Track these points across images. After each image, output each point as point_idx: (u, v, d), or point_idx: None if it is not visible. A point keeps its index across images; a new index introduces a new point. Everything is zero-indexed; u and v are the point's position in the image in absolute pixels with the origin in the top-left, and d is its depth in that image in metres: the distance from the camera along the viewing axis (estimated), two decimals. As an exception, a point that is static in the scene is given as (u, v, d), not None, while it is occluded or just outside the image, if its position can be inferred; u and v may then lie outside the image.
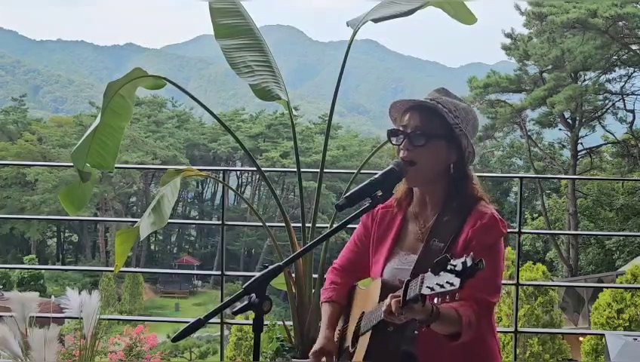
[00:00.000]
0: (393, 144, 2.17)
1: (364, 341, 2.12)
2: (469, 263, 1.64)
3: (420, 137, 2.10)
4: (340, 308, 2.35)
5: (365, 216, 2.32)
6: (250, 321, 1.79)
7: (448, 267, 1.66)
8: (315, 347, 2.24)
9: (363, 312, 2.20)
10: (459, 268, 1.65)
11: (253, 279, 1.78)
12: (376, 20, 3.61)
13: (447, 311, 1.91)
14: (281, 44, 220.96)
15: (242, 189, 50.34)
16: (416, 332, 2.00)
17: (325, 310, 2.35)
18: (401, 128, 2.15)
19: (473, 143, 2.16)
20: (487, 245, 2.06)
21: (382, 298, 2.04)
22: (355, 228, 2.42)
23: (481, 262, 1.64)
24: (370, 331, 2.08)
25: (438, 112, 2.10)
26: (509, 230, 2.30)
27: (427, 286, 1.70)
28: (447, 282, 1.66)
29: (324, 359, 2.23)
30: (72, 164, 3.38)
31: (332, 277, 2.42)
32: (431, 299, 1.72)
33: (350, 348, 2.24)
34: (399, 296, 1.83)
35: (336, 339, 2.31)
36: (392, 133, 2.17)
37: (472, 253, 1.67)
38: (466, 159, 2.15)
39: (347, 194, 2.01)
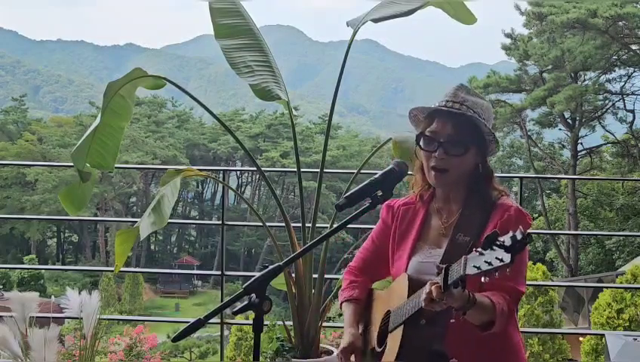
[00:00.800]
0: (422, 149, 2.16)
1: (395, 337, 2.09)
2: (518, 236, 1.64)
3: (456, 147, 2.11)
4: (362, 307, 2.34)
5: (385, 213, 2.33)
6: (250, 321, 1.79)
7: (497, 243, 1.67)
8: (343, 344, 2.22)
9: (388, 311, 2.18)
10: (508, 243, 1.65)
11: (253, 279, 1.78)
12: (376, 20, 3.62)
13: (482, 299, 1.92)
14: (281, 44, 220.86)
15: (242, 189, 50.34)
16: (452, 320, 1.99)
17: (346, 309, 2.33)
18: (427, 133, 2.14)
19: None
20: None
21: (410, 293, 2.04)
22: (355, 228, 2.43)
23: (530, 236, 1.66)
24: (402, 326, 2.06)
25: (472, 120, 2.11)
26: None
27: (473, 266, 1.71)
28: (496, 258, 1.66)
29: (352, 357, 2.21)
30: (72, 164, 3.39)
31: (350, 277, 2.40)
32: (475, 282, 1.73)
33: (377, 348, 2.21)
34: (438, 282, 1.83)
35: None
36: (420, 138, 2.16)
37: (520, 227, 1.68)
38: (490, 156, 2.19)
39: (347, 194, 2.01)
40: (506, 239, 1.66)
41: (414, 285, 2.03)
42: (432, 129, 2.13)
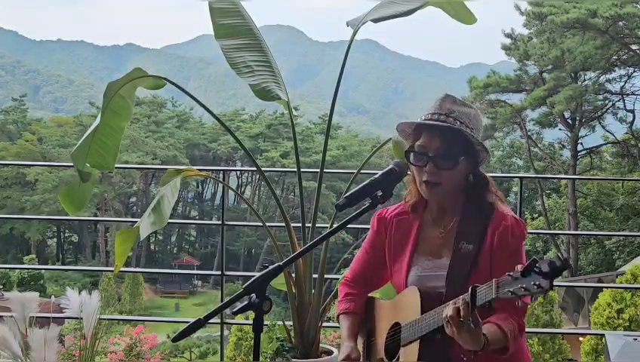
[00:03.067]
0: (413, 165, 2.15)
1: (410, 352, 2.07)
2: (557, 263, 1.66)
3: (446, 161, 2.09)
4: (359, 319, 2.32)
5: (377, 224, 2.31)
6: (250, 321, 1.79)
7: (535, 270, 1.68)
8: (342, 356, 2.20)
9: (396, 324, 2.17)
10: (545, 269, 1.67)
11: (253, 279, 1.78)
12: (376, 20, 3.61)
13: (494, 335, 1.94)
14: (281, 44, 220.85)
15: (242, 189, 50.33)
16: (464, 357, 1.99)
17: (343, 321, 2.31)
18: (416, 148, 2.13)
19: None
20: (513, 248, 2.09)
21: (425, 306, 2.04)
22: (355, 228, 2.43)
23: (568, 261, 1.69)
24: (419, 341, 2.04)
25: (461, 133, 2.10)
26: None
27: (508, 291, 1.72)
28: (533, 284, 1.67)
29: None
30: (72, 164, 3.38)
31: (345, 289, 2.39)
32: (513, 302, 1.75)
33: (386, 361, 2.20)
34: (459, 304, 1.84)
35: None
36: (413, 156, 2.14)
37: (557, 254, 1.68)
38: (480, 165, 2.17)
39: (347, 194, 2.01)
40: (543, 266, 1.67)
41: (425, 299, 2.05)
42: (421, 143, 2.12)
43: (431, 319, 1.99)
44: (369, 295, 2.38)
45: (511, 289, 1.71)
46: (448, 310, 1.86)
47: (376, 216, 2.31)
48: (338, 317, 2.35)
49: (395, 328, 2.16)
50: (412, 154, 2.14)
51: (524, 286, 1.69)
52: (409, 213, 2.25)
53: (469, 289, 1.83)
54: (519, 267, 1.71)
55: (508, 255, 2.06)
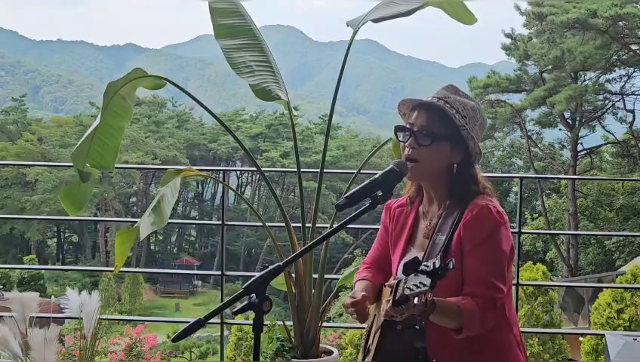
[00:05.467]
0: (399, 140, 2.19)
1: (374, 339, 2.15)
2: (437, 264, 1.70)
3: (426, 137, 2.11)
4: (375, 287, 2.30)
5: (384, 215, 2.35)
6: (250, 321, 1.79)
7: (421, 268, 1.73)
8: (347, 301, 2.17)
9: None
10: (429, 268, 1.71)
11: (253, 279, 1.78)
12: (376, 20, 3.61)
13: (446, 304, 1.94)
14: (281, 44, 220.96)
15: (242, 189, 50.33)
16: (423, 323, 1.98)
17: (359, 285, 2.30)
18: (408, 125, 2.16)
19: (481, 143, 2.18)
20: (480, 238, 2.05)
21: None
22: (355, 228, 2.44)
23: (452, 262, 1.70)
24: (380, 330, 2.09)
25: (445, 113, 2.11)
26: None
27: (407, 287, 1.75)
28: (420, 283, 1.71)
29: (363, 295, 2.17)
30: (72, 164, 3.38)
31: (363, 267, 2.43)
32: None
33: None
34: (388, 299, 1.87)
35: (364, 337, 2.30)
36: (398, 129, 2.19)
37: (441, 255, 1.77)
38: (472, 160, 2.15)
39: (347, 194, 2.01)
40: (430, 264, 1.72)
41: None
42: (410, 120, 2.16)
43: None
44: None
45: (409, 286, 1.74)
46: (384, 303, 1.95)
47: (385, 206, 2.34)
48: (355, 284, 2.35)
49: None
50: (398, 128, 2.19)
51: (415, 283, 1.73)
52: (407, 204, 2.29)
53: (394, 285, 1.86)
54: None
55: (476, 245, 2.04)
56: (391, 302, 1.81)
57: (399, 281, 1.82)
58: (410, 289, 1.73)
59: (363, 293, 2.17)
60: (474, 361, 2.09)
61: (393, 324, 2.03)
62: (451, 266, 1.69)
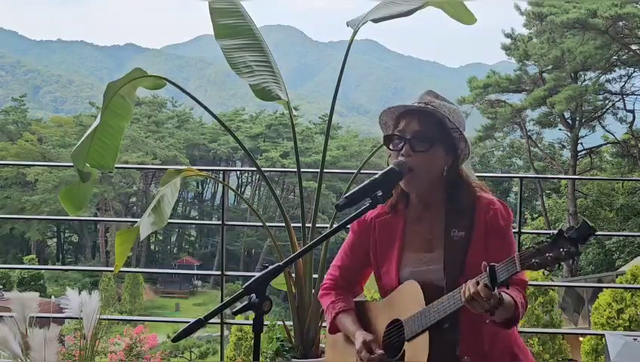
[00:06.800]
0: (391, 150, 2.16)
1: (418, 345, 2.04)
2: (584, 229, 1.73)
3: (422, 143, 2.10)
4: (356, 315, 2.27)
5: (358, 228, 2.30)
6: (250, 321, 1.79)
7: (564, 235, 1.75)
8: (357, 345, 2.13)
9: (395, 320, 2.14)
10: (573, 235, 1.74)
11: (253, 279, 1.78)
12: (376, 20, 3.62)
13: (505, 296, 1.96)
14: (281, 44, 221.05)
15: (242, 189, 50.33)
16: (487, 321, 1.99)
17: (344, 319, 2.26)
18: (397, 133, 2.14)
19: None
20: (504, 230, 2.14)
21: (427, 299, 2.03)
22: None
23: (591, 227, 1.74)
24: (427, 332, 2.02)
25: (436, 117, 2.11)
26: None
27: (535, 262, 1.78)
28: (561, 251, 1.74)
29: (376, 351, 2.11)
30: (72, 164, 3.39)
31: (329, 298, 2.33)
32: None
33: (390, 357, 2.15)
34: (477, 282, 1.86)
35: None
36: (388, 139, 2.17)
37: (583, 219, 1.79)
38: (460, 161, 2.16)
39: (347, 194, 2.00)
40: (571, 232, 1.74)
41: (426, 291, 2.04)
42: (399, 128, 2.14)
43: (439, 306, 1.99)
44: (354, 300, 2.35)
45: (537, 261, 1.76)
46: (469, 287, 1.88)
47: (357, 222, 2.28)
48: (334, 319, 2.28)
49: (395, 324, 2.14)
50: (391, 139, 2.17)
51: (550, 254, 1.75)
52: (389, 212, 2.25)
53: (487, 269, 1.85)
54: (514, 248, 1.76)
55: (501, 238, 2.12)
56: (490, 284, 1.84)
57: (493, 265, 1.84)
58: (540, 264, 1.76)
59: (368, 340, 2.13)
60: (499, 350, 2.13)
61: (442, 323, 2.00)
62: (595, 229, 1.76)
